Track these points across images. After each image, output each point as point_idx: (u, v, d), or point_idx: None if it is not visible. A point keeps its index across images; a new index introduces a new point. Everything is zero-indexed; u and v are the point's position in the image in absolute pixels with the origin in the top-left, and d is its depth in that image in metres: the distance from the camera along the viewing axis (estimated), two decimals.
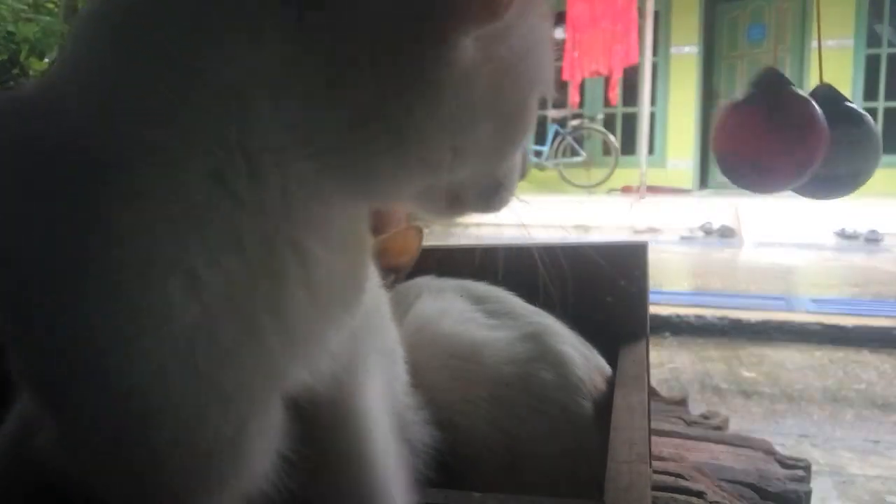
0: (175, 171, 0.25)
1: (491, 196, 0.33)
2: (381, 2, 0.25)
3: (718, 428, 0.94)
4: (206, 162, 0.25)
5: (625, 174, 5.99)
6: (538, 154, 6.26)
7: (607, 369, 0.58)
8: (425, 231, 0.65)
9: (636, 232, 4.85)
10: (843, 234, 4.71)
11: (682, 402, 1.06)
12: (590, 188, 5.88)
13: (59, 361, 0.26)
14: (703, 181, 6.62)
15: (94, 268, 0.25)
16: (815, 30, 5.79)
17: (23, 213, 0.26)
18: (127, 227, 0.25)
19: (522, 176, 0.35)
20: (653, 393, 0.99)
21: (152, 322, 0.25)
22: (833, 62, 5.89)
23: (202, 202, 0.25)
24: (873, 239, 4.61)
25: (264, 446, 0.30)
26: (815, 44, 5.78)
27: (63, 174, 0.25)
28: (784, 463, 0.80)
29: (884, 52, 5.88)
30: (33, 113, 0.27)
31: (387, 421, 0.38)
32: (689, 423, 0.94)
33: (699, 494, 0.64)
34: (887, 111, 5.90)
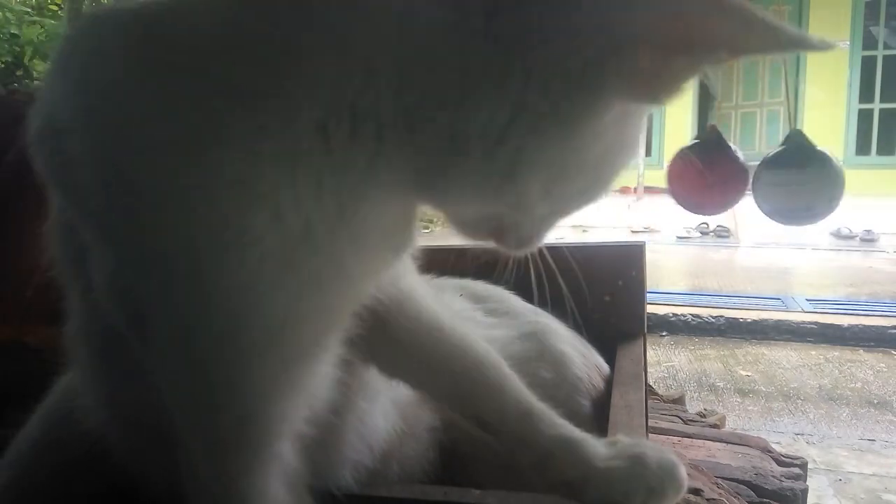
0: (285, 115, 0.27)
1: (525, 240, 0.34)
2: (564, 30, 0.26)
3: (715, 426, 0.95)
4: (316, 113, 0.27)
5: (623, 175, 6.00)
6: None
7: (605, 368, 0.59)
8: (425, 232, 0.66)
9: (633, 232, 4.85)
10: (838, 234, 4.73)
11: (679, 401, 1.06)
12: None
13: (157, 267, 0.28)
14: None
15: (200, 182, 0.27)
16: (812, 33, 5.79)
17: (144, 128, 0.27)
18: (230, 156, 0.27)
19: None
20: (650, 391, 1.00)
21: (240, 242, 0.27)
22: (829, 64, 5.91)
23: (299, 148, 0.27)
24: (869, 239, 4.63)
25: (332, 353, 0.33)
26: None
27: (187, 93, 0.27)
28: (780, 461, 0.81)
29: (879, 53, 5.90)
30: (165, 34, 0.28)
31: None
32: (686, 422, 0.95)
33: (696, 492, 0.64)
34: (883, 113, 5.93)
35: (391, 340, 0.39)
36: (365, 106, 0.27)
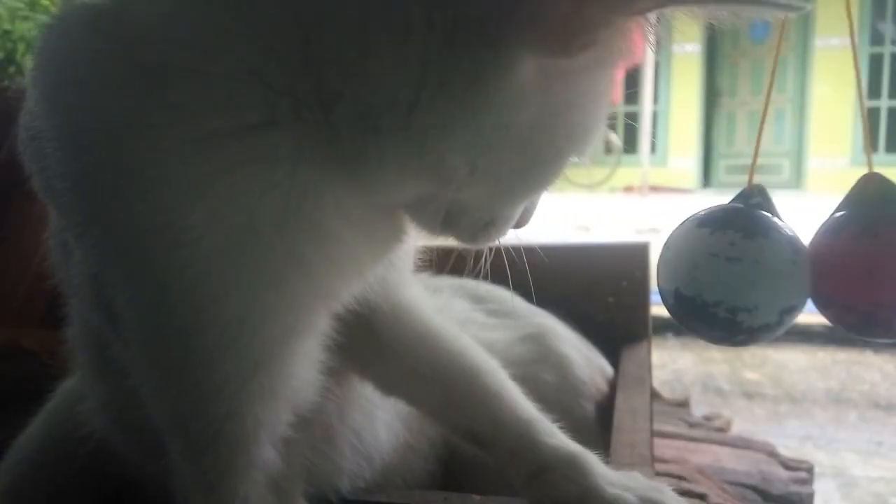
0: (201, 97, 0.26)
1: (479, 230, 0.32)
2: None
3: (721, 430, 0.93)
4: (228, 91, 0.26)
5: (627, 173, 5.98)
6: None
7: (609, 371, 0.58)
8: None
9: (638, 232, 4.83)
10: None
11: (684, 404, 1.05)
12: (591, 187, 5.87)
13: (120, 265, 0.28)
14: (706, 180, 6.60)
15: (139, 176, 0.26)
16: (819, 28, 5.76)
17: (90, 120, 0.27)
18: (160, 153, 0.26)
19: (520, 226, 0.34)
20: (655, 395, 0.99)
21: (181, 239, 0.26)
22: (836, 61, 5.86)
23: (218, 136, 0.26)
24: None
25: (311, 357, 0.31)
26: (818, 42, 5.75)
27: (124, 90, 0.26)
28: (787, 465, 0.80)
29: (887, 50, 5.85)
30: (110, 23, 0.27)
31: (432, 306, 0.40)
32: (692, 425, 0.93)
33: (702, 497, 0.63)
34: (891, 110, 5.88)
35: (385, 354, 0.38)
36: (280, 84, 0.25)
